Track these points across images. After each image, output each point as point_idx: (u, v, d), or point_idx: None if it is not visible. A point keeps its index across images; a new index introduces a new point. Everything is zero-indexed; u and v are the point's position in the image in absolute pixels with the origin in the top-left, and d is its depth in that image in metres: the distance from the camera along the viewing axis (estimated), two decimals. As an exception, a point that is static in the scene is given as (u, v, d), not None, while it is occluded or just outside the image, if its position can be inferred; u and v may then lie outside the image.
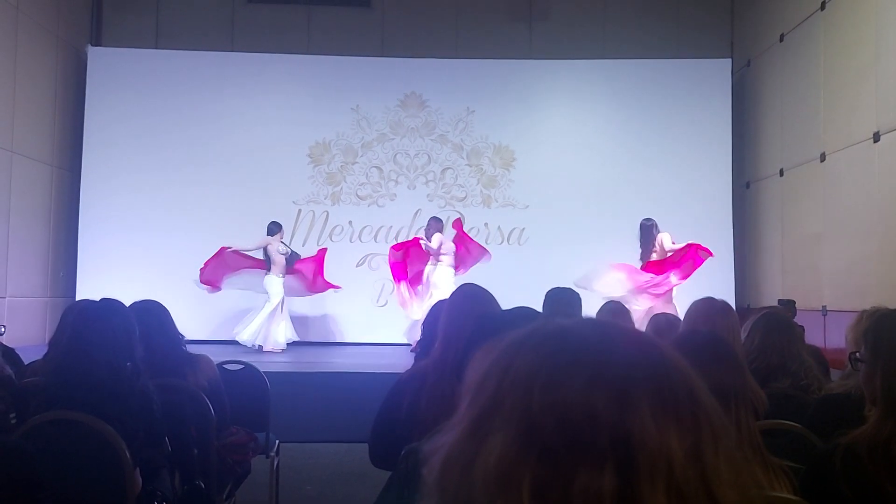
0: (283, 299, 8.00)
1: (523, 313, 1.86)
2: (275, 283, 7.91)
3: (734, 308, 2.94)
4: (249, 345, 7.79)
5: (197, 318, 7.93)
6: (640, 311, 6.93)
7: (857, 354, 1.74)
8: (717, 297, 2.90)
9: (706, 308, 2.78)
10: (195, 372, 3.11)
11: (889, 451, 1.49)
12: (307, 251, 8.46)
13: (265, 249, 7.98)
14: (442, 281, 7.70)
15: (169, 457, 2.69)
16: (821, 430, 2.16)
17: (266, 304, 7.89)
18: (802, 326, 4.02)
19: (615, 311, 3.78)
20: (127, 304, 2.72)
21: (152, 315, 2.95)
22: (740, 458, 0.56)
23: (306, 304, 8.45)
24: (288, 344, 7.98)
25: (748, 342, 2.76)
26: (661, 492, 0.51)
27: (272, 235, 8.04)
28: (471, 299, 2.39)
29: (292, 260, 8.10)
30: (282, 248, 8.03)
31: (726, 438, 0.56)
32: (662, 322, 3.58)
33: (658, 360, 0.56)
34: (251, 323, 7.89)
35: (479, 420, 0.55)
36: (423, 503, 0.57)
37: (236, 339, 7.81)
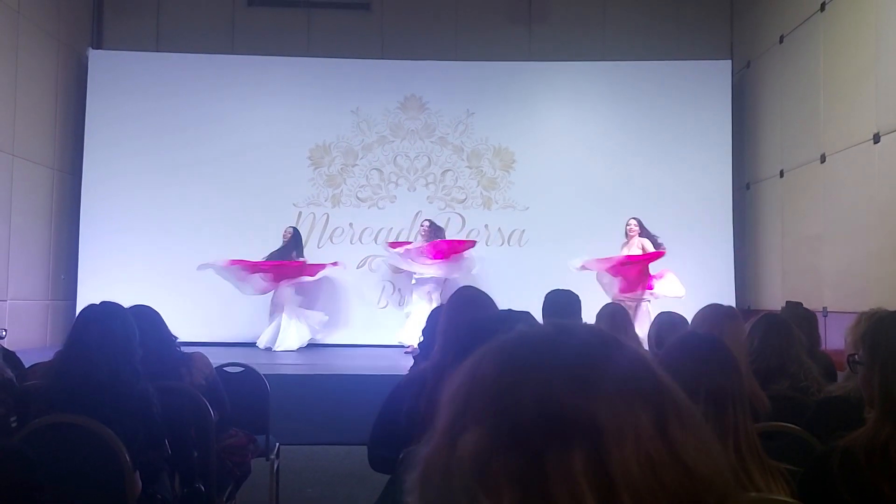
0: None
1: (512, 316, 1.87)
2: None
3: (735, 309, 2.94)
4: (295, 348, 7.98)
5: (198, 319, 7.92)
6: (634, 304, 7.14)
7: (856, 357, 1.74)
8: (722, 304, 2.89)
9: (713, 314, 2.77)
10: (191, 371, 3.12)
11: (887, 454, 1.49)
12: (307, 253, 8.47)
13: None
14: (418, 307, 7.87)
15: (169, 459, 2.69)
16: (820, 432, 2.16)
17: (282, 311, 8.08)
18: (818, 333, 3.87)
19: (614, 312, 3.77)
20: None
21: (145, 319, 2.95)
22: (708, 434, 0.59)
23: (305, 305, 8.45)
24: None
25: (747, 344, 2.76)
26: (633, 461, 0.53)
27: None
28: (468, 302, 2.40)
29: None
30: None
31: (691, 415, 0.58)
32: (665, 321, 3.53)
33: (615, 351, 0.60)
34: (287, 331, 8.03)
35: (451, 424, 0.58)
36: None
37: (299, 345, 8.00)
